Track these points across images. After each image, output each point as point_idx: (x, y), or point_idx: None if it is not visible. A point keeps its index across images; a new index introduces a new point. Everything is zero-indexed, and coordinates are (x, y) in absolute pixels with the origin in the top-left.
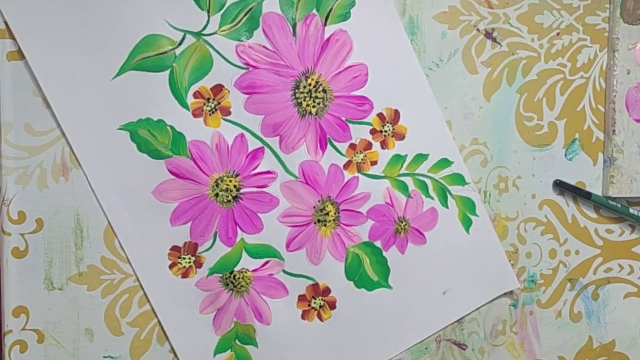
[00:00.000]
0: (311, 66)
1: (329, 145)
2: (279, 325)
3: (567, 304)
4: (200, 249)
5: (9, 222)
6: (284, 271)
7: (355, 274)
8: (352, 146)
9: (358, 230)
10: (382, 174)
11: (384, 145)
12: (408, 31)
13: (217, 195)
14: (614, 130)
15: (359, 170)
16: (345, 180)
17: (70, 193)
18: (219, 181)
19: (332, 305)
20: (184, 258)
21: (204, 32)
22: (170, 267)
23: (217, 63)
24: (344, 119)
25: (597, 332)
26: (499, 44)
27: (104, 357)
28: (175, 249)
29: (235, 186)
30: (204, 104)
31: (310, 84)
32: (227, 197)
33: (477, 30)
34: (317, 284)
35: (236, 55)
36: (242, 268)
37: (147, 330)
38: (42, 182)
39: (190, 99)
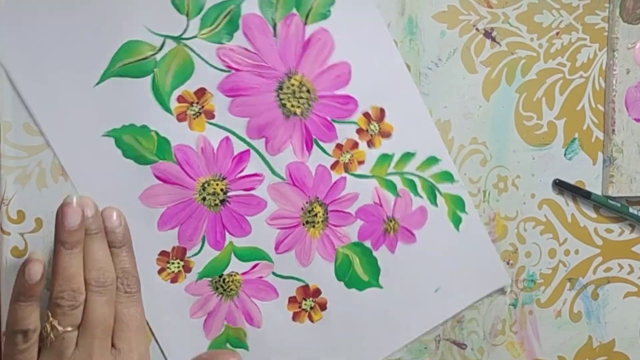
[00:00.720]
0: (294, 66)
1: (315, 145)
2: (270, 327)
3: (566, 303)
4: (188, 254)
5: (8, 222)
6: (274, 273)
7: (345, 275)
8: (339, 146)
9: (347, 230)
10: (370, 174)
11: (370, 144)
12: (407, 30)
13: (204, 199)
14: (613, 130)
15: (346, 171)
16: (333, 181)
17: (69, 193)
18: (206, 185)
19: (323, 307)
20: (173, 263)
21: (183, 37)
22: (159, 272)
23: (198, 67)
24: (329, 118)
25: (597, 331)
26: (498, 43)
27: None
28: (163, 254)
29: (222, 190)
30: (188, 108)
31: (293, 84)
32: (215, 200)
33: (477, 29)
34: (307, 285)
35: (217, 58)
36: (232, 271)
37: None
38: (42, 182)
39: (173, 104)
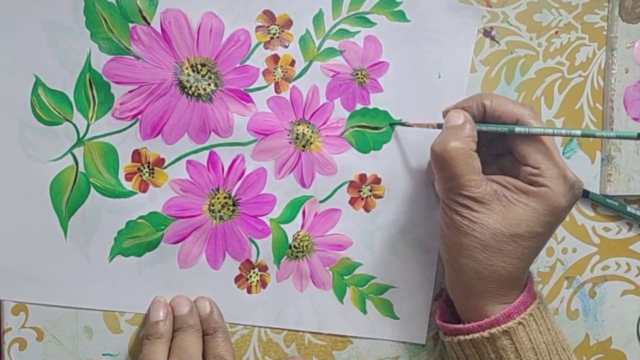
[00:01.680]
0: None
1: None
2: None
3: (564, 301)
4: (257, 260)
5: None
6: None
7: None
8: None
9: None
10: None
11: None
12: None
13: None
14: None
15: None
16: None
17: None
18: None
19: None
20: (254, 272)
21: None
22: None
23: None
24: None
25: (594, 329)
26: (497, 42)
27: (103, 354)
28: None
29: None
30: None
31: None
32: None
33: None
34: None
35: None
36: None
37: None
38: None
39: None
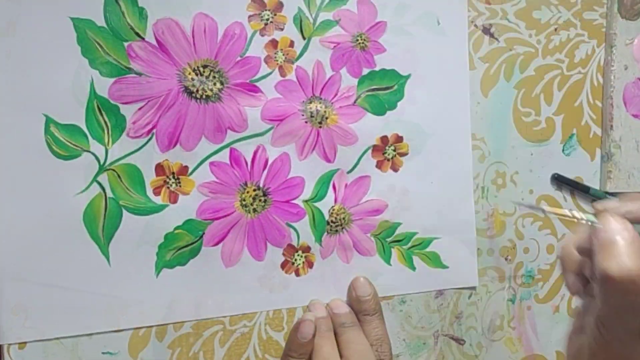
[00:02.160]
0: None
1: None
2: None
3: (564, 299)
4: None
5: None
6: None
7: None
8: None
9: None
10: None
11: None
12: None
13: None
14: (611, 126)
15: None
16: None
17: None
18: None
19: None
20: (298, 256)
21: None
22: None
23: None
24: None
25: None
26: (496, 39)
27: (103, 353)
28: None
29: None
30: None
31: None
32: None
33: (475, 26)
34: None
35: None
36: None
37: (145, 327)
38: None
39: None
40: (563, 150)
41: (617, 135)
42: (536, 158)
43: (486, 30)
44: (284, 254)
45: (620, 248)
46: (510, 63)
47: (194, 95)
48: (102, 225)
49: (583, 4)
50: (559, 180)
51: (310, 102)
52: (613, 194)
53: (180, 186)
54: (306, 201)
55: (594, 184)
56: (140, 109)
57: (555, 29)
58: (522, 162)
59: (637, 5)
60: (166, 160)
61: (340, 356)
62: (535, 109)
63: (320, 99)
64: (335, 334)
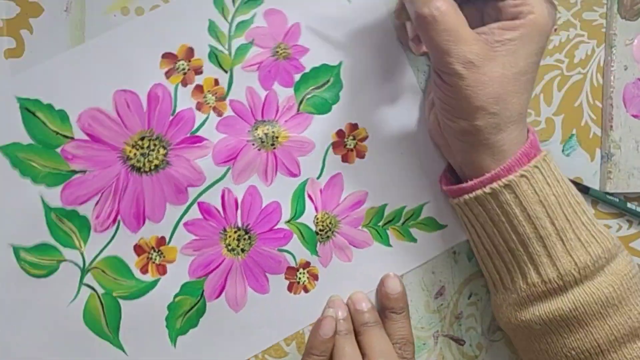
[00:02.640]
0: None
1: None
2: None
3: None
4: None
5: None
6: None
7: None
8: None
9: None
10: None
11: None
12: None
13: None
14: (611, 126)
15: None
16: None
17: None
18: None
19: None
20: (301, 274)
21: None
22: (289, 288)
23: None
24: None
25: None
26: None
27: None
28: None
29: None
30: None
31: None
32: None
33: None
34: None
35: None
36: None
37: None
38: None
39: None
40: (563, 150)
41: (617, 136)
42: None
43: None
44: (286, 278)
45: None
46: None
47: (142, 169)
48: (105, 322)
49: (583, 5)
50: None
51: (256, 129)
52: (613, 194)
53: (164, 257)
54: (288, 221)
55: (593, 184)
56: (97, 203)
57: (555, 30)
58: None
59: (636, 6)
60: (142, 238)
61: (363, 356)
62: (535, 109)
63: (264, 121)
64: (356, 333)
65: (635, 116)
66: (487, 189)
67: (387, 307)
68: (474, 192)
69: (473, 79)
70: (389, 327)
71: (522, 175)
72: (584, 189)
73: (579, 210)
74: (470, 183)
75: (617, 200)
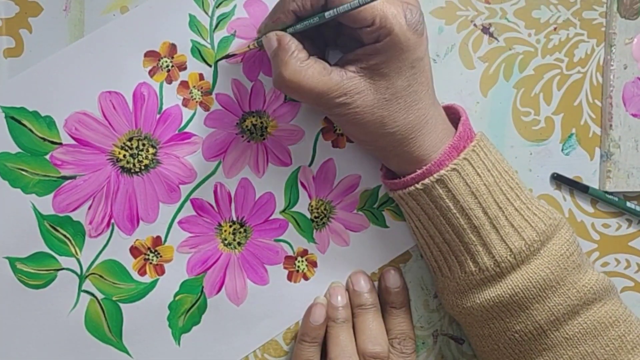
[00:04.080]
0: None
1: None
2: None
3: None
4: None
5: None
6: None
7: None
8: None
9: None
10: None
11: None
12: None
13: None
14: (610, 125)
15: None
16: None
17: None
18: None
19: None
20: (300, 261)
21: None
22: (289, 277)
23: None
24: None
25: None
26: (496, 39)
27: None
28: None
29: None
30: None
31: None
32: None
33: (474, 25)
34: None
35: None
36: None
37: None
38: None
39: None
40: (562, 149)
41: (617, 135)
42: (535, 157)
43: (485, 30)
44: (285, 267)
45: (272, 60)
46: (510, 62)
47: (132, 170)
48: (107, 327)
49: (582, 3)
50: (558, 180)
51: (244, 121)
52: (612, 194)
53: (161, 257)
54: (283, 211)
55: (593, 183)
56: (89, 208)
57: (555, 28)
58: (521, 162)
59: (636, 5)
60: (137, 240)
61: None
62: (534, 109)
63: (252, 112)
64: (353, 315)
65: (634, 115)
66: (419, 185)
67: (387, 302)
68: (407, 188)
69: (352, 115)
70: (389, 322)
71: (453, 169)
72: (583, 188)
73: (512, 196)
74: (402, 180)
75: (617, 199)
